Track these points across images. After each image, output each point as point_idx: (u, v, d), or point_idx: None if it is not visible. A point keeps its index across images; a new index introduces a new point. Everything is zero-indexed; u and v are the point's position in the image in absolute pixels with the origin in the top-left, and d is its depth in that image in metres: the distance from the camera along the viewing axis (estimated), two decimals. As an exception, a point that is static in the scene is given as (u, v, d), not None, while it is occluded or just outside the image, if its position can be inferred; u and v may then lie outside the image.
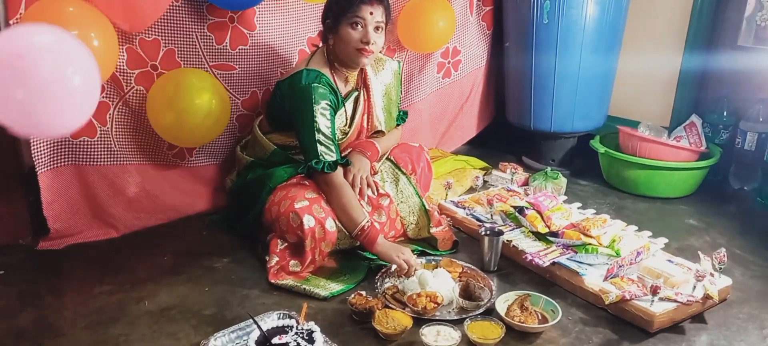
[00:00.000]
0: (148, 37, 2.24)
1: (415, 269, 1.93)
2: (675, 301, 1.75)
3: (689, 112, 2.96)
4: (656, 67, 3.07)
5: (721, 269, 1.89)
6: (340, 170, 2.08)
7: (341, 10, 2.09)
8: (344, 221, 2.04)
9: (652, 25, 3.07)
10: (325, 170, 2.04)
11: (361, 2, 2.07)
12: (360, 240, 2.03)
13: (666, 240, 2.14)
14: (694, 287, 1.81)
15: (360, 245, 2.09)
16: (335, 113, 2.17)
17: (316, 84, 2.08)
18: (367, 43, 2.10)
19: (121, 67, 2.20)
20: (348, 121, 2.29)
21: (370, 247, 2.01)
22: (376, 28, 2.11)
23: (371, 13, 2.09)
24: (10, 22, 1.95)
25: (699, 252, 2.00)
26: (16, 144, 2.14)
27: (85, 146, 2.21)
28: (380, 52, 2.25)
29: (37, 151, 2.09)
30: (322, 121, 2.06)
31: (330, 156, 2.06)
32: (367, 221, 2.02)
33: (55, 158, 2.15)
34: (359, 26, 2.09)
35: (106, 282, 1.96)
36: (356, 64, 2.20)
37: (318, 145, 2.05)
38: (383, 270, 2.00)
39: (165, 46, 2.28)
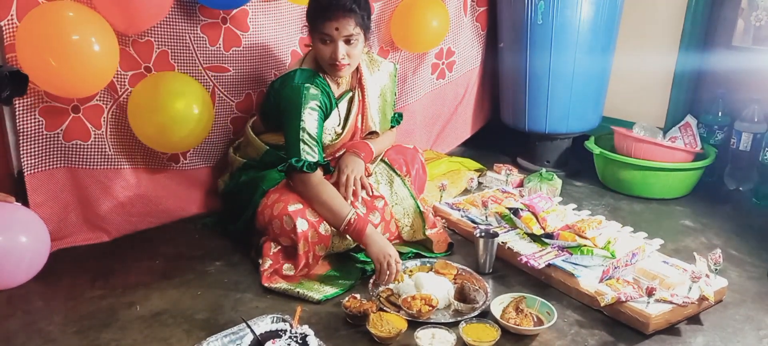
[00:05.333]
0: (141, 39, 2.22)
1: (396, 277, 1.90)
2: (671, 302, 1.74)
3: (684, 113, 2.96)
4: (651, 67, 3.07)
5: (716, 270, 1.89)
6: (318, 171, 2.05)
7: (312, 24, 2.07)
8: (329, 219, 2.01)
9: (647, 26, 3.07)
10: (304, 170, 2.01)
11: (326, 19, 2.02)
12: (348, 234, 2.00)
13: (661, 241, 2.14)
14: (690, 288, 1.81)
15: (354, 248, 2.08)
16: (326, 117, 2.15)
17: (307, 84, 2.07)
18: (335, 59, 2.07)
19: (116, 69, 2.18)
20: (341, 122, 2.27)
21: (359, 238, 1.98)
22: (348, 41, 2.06)
23: (337, 29, 2.03)
24: (1, 23, 1.93)
25: (694, 253, 2.00)
26: (6, 147, 2.12)
27: (79, 150, 2.19)
28: (367, 52, 2.23)
29: (27, 154, 2.07)
30: (309, 122, 2.04)
31: (312, 157, 2.03)
32: (353, 213, 1.99)
33: (47, 161, 2.13)
34: (328, 41, 2.06)
35: (97, 287, 1.94)
36: (334, 76, 2.17)
37: (301, 143, 2.02)
38: (376, 275, 1.98)
39: (158, 48, 2.26)
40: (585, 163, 3.07)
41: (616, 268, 1.92)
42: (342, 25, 2.02)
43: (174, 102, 2.20)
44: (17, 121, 2.03)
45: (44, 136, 2.10)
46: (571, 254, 2.01)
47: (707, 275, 1.86)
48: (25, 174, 2.08)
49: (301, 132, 2.03)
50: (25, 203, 2.08)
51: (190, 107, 2.22)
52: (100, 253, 2.17)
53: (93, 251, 2.19)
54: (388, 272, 1.89)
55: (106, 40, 1.98)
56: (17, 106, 2.01)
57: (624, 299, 1.76)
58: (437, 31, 2.94)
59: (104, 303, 1.85)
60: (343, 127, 2.27)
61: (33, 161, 2.09)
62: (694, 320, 1.81)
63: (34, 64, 1.89)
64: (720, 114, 2.91)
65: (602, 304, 1.78)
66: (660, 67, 3.04)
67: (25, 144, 2.06)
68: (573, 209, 2.42)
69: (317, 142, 2.06)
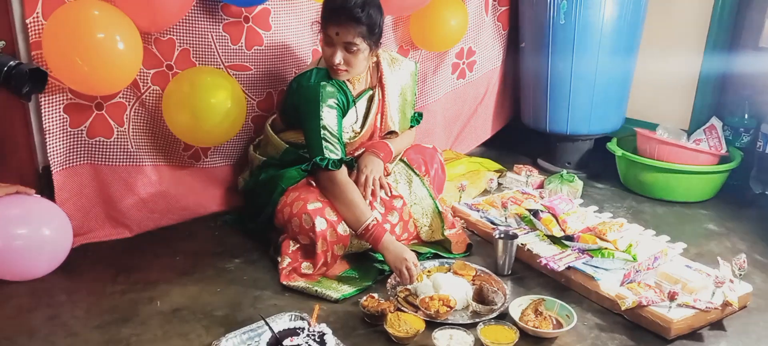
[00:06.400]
0: (164, 37, 2.24)
1: (415, 279, 1.90)
2: (693, 307, 1.72)
3: (709, 115, 2.91)
4: (675, 68, 3.02)
5: (741, 275, 1.86)
6: (344, 169, 2.06)
7: (321, 24, 2.08)
8: (349, 219, 2.01)
9: (672, 26, 3.02)
10: (330, 168, 2.02)
11: (331, 21, 2.03)
12: (365, 239, 2.01)
13: (684, 245, 2.11)
14: (713, 293, 1.78)
15: (372, 247, 2.08)
16: (344, 113, 2.16)
17: (324, 83, 2.08)
18: (332, 63, 2.07)
19: (138, 67, 2.21)
20: (360, 120, 2.27)
21: (375, 245, 1.99)
22: (347, 48, 2.05)
23: (337, 34, 2.03)
24: (27, 20, 1.96)
25: (718, 258, 1.96)
26: (31, 143, 2.15)
27: (101, 146, 2.22)
28: (381, 58, 2.24)
29: (53, 151, 2.10)
30: (329, 119, 2.05)
31: (335, 154, 2.04)
32: (373, 220, 2.00)
33: (71, 158, 2.16)
34: (330, 44, 2.06)
35: (118, 282, 1.97)
36: (335, 77, 2.15)
37: (323, 141, 2.03)
38: (394, 274, 1.98)
39: (180, 46, 2.28)
40: (607, 165, 3.03)
41: (637, 271, 1.89)
42: (343, 31, 2.02)
43: (213, 94, 2.23)
44: (43, 119, 2.06)
45: (68, 133, 2.13)
46: (592, 257, 1.99)
47: (731, 280, 1.83)
48: (53, 172, 2.11)
49: (322, 130, 2.03)
50: (50, 198, 2.11)
51: (227, 101, 2.25)
52: (122, 249, 2.20)
53: (115, 246, 2.22)
54: (408, 276, 1.89)
55: (131, 38, 2.00)
56: (42, 103, 2.05)
57: (645, 303, 1.73)
58: (456, 30, 2.93)
59: (125, 298, 1.87)
60: (362, 126, 2.27)
61: (59, 159, 2.12)
62: (718, 325, 1.78)
63: (61, 63, 1.93)
64: (746, 116, 2.86)
65: (623, 308, 1.76)
66: (684, 69, 2.99)
67: (51, 141, 2.09)
68: (594, 212, 2.40)
69: (338, 139, 2.07)
